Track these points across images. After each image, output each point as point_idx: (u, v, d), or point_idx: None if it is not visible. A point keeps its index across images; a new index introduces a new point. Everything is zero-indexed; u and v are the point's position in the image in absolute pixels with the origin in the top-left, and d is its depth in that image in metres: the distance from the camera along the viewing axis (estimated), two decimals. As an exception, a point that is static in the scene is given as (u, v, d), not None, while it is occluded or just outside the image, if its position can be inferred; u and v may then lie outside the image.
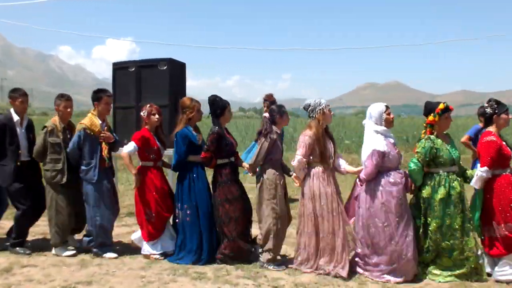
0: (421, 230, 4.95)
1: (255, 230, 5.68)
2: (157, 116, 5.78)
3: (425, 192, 4.89)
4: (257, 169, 5.48)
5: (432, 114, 4.88)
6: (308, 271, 5.13)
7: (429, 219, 4.86)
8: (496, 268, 4.84)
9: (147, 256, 5.68)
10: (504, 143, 4.84)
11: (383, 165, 4.89)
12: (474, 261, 4.82)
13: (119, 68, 7.87)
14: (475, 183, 4.86)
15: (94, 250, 5.77)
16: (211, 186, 5.67)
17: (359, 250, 5.06)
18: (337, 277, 4.95)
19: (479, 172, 4.78)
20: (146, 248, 5.74)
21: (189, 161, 5.60)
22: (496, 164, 4.76)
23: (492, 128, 4.90)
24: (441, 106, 4.84)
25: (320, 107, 5.12)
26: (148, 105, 5.82)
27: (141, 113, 5.81)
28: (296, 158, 5.12)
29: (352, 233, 5.19)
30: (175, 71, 7.56)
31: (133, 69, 7.62)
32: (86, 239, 5.92)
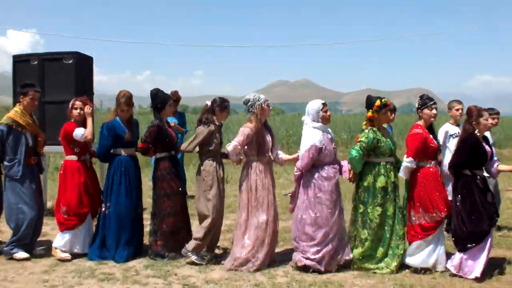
0: (359, 220, 5.15)
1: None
2: (78, 110, 5.58)
3: (366, 181, 5.10)
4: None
5: (370, 110, 5.10)
6: (228, 266, 5.17)
7: (371, 207, 5.06)
8: (407, 251, 5.12)
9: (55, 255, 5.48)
10: (431, 136, 5.11)
11: (319, 159, 5.09)
12: (402, 249, 5.10)
13: (20, 61, 7.42)
14: (401, 173, 5.15)
15: (5, 248, 5.45)
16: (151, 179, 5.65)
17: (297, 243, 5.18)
18: (261, 270, 5.08)
19: (405, 162, 5.06)
20: (56, 240, 5.58)
21: (118, 154, 5.54)
22: (421, 156, 5.05)
23: (420, 122, 5.17)
24: (377, 103, 5.05)
25: (259, 103, 5.24)
26: (73, 99, 5.69)
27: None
28: (232, 143, 5.21)
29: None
30: (82, 65, 7.26)
31: (35, 62, 7.22)
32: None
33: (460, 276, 4.85)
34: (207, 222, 5.29)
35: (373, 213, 5.05)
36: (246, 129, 5.21)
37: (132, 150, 5.65)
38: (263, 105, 5.25)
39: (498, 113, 6.50)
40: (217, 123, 5.45)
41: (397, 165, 5.25)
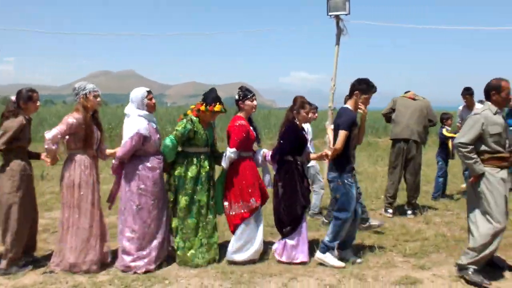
0: (171, 209, 5.12)
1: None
2: None
3: (177, 171, 5.07)
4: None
5: (204, 106, 5.04)
6: (58, 269, 4.80)
7: (180, 196, 5.04)
8: (229, 247, 5.19)
9: None
10: (251, 128, 5.24)
11: (142, 149, 4.91)
12: (216, 239, 5.20)
13: None
14: (223, 163, 5.19)
15: None
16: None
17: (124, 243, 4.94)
18: (90, 272, 4.77)
19: (228, 152, 5.11)
20: None
21: None
22: (243, 146, 5.16)
23: (241, 113, 5.25)
24: (216, 108, 5.03)
25: (84, 92, 4.90)
26: None
27: None
28: (52, 131, 4.71)
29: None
30: None
31: None
32: None
33: (285, 262, 5.12)
34: (12, 228, 4.77)
35: (181, 202, 5.07)
36: (70, 119, 4.80)
37: None
38: (88, 95, 4.92)
39: (316, 108, 7.05)
40: (27, 117, 4.92)
41: (213, 155, 5.35)
